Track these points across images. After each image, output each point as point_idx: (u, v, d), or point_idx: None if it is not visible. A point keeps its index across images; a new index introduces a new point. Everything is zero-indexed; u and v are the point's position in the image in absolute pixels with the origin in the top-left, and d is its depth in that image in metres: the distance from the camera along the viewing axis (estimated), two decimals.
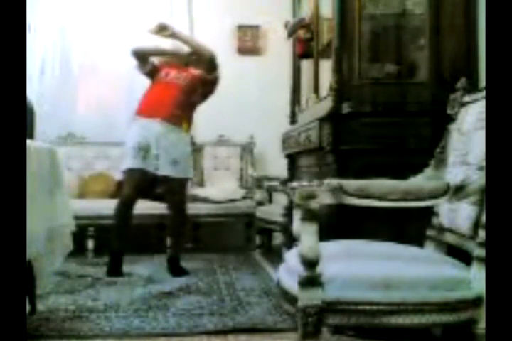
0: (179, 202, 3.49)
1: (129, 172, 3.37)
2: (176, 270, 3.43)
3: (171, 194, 3.49)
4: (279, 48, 4.50)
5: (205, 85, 3.56)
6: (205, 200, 4.38)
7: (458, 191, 1.49)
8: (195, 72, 3.60)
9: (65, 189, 2.48)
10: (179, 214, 3.50)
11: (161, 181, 3.50)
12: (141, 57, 3.60)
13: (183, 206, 3.51)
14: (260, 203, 4.37)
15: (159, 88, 3.54)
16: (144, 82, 3.72)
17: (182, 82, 3.52)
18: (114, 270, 3.34)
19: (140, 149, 3.34)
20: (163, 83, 3.54)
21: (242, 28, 5.07)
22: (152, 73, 3.63)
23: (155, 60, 3.68)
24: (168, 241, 3.69)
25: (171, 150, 3.39)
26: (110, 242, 3.45)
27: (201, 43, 3.62)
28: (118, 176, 4.52)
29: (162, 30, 3.50)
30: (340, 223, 2.23)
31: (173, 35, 3.55)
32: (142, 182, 3.40)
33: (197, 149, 4.95)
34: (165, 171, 3.38)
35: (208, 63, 3.52)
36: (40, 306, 2.51)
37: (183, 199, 3.51)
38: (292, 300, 1.48)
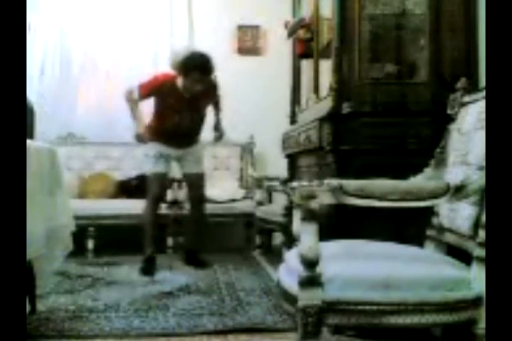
0: (201, 195, 3.69)
1: (154, 175, 3.53)
2: (193, 261, 3.59)
3: (196, 188, 3.67)
4: (279, 48, 4.50)
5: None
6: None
7: (458, 191, 1.49)
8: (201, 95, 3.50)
9: (65, 189, 2.49)
10: (201, 207, 3.68)
11: (184, 178, 3.74)
12: None
13: (204, 198, 3.73)
14: (260, 203, 4.37)
15: (177, 114, 3.45)
16: None
17: (198, 112, 3.57)
18: (151, 270, 3.33)
19: (161, 156, 3.52)
20: (182, 108, 3.44)
21: (242, 28, 5.07)
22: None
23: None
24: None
25: (194, 152, 3.64)
26: (142, 247, 3.42)
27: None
28: (118, 176, 4.54)
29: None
30: (340, 223, 2.23)
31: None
32: (165, 182, 3.67)
33: None
34: (188, 169, 3.63)
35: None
36: (40, 306, 2.52)
37: (204, 192, 3.72)
38: (292, 300, 1.47)
